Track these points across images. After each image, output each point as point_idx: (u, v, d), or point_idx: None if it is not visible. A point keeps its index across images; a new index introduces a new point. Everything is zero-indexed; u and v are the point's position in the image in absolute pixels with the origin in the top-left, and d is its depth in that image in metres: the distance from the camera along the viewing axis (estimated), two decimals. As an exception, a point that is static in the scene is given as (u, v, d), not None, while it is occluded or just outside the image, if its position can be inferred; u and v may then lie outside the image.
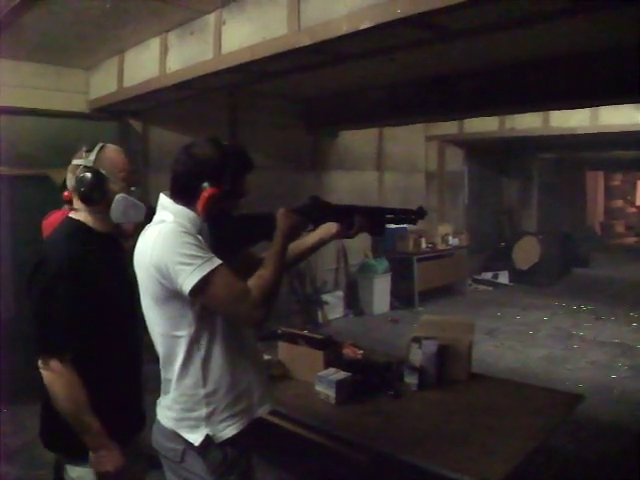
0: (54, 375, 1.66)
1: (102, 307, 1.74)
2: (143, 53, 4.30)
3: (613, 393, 4.61)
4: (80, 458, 1.74)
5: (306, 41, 2.97)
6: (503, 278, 9.58)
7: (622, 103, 5.94)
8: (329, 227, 1.87)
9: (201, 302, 1.52)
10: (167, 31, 3.99)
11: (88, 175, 1.74)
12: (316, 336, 3.25)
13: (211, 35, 3.61)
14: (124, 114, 5.18)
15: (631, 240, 15.81)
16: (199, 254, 1.48)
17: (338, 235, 1.88)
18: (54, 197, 3.39)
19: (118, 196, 1.76)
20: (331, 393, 2.61)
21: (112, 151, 1.83)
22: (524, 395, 2.74)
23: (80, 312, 1.69)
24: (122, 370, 1.83)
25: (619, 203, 17.28)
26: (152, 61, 4.17)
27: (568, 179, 13.54)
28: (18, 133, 4.58)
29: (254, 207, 1.80)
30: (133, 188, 1.84)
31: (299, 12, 2.99)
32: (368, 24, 2.61)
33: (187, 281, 1.46)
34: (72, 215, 1.83)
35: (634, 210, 17.20)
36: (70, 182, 1.82)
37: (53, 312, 1.67)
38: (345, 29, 2.73)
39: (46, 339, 1.68)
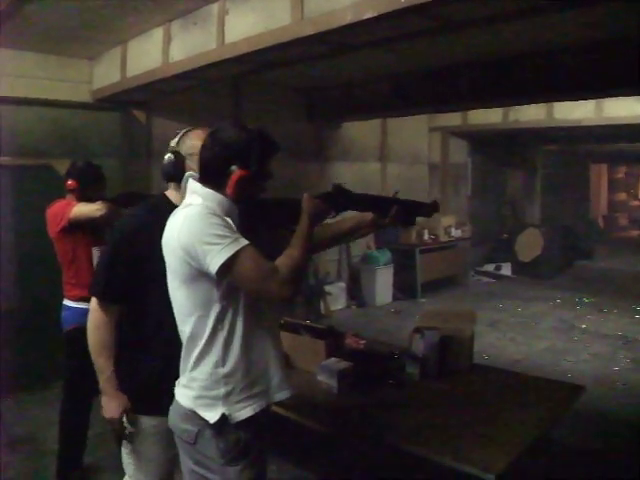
0: (90, 311, 1.93)
1: (154, 271, 1.78)
2: (146, 43, 4.29)
3: (615, 385, 4.62)
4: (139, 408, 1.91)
5: (309, 31, 2.97)
6: (506, 270, 9.58)
7: (627, 95, 5.90)
8: (364, 215, 1.96)
9: (229, 281, 1.55)
10: (170, 21, 3.98)
11: (168, 155, 1.96)
12: (318, 326, 3.27)
13: (214, 25, 3.60)
14: (127, 104, 5.18)
15: (634, 233, 15.77)
16: (226, 234, 1.51)
17: (373, 223, 1.97)
18: (57, 187, 3.43)
19: (187, 174, 1.86)
20: (333, 383, 2.63)
21: (194, 135, 1.95)
22: (525, 386, 2.75)
23: (127, 269, 1.86)
24: (161, 340, 1.86)
25: (622, 196, 17.21)
26: (155, 51, 4.17)
27: (572, 171, 13.48)
28: (21, 123, 4.58)
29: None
30: None
31: (302, 2, 2.98)
32: (372, 14, 2.60)
33: (215, 260, 1.49)
34: (166, 191, 2.05)
35: (637, 203, 17.14)
36: None
37: (102, 262, 1.99)
38: (349, 19, 2.72)
39: (92, 281, 2.03)
